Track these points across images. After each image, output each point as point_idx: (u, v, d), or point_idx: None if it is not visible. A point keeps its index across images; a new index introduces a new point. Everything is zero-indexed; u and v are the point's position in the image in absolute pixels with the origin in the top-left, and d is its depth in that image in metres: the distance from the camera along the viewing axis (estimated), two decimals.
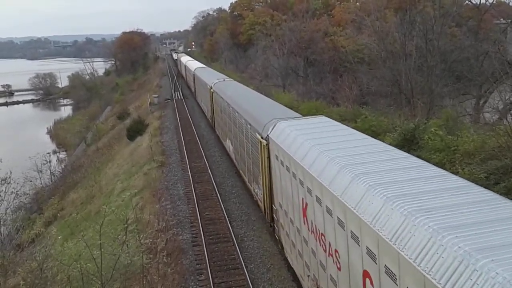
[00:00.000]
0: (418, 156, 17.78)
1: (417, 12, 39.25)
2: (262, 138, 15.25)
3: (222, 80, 32.79)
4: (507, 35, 41.08)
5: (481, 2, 38.34)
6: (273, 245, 16.21)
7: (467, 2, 41.60)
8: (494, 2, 39.76)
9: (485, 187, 14.52)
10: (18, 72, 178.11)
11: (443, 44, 35.72)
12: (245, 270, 14.75)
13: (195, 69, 51.57)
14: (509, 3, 43.59)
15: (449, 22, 39.03)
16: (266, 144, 14.68)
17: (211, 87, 32.21)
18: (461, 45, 38.79)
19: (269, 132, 14.54)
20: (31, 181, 39.97)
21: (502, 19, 41.40)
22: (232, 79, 35.08)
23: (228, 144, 26.52)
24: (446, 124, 21.41)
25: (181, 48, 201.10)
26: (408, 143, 19.01)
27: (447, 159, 16.92)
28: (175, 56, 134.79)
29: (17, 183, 34.21)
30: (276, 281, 14.15)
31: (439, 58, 34.90)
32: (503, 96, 27.89)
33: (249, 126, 18.45)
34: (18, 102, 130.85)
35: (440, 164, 16.99)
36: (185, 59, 78.86)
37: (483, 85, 34.89)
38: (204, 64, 64.63)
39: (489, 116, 30.30)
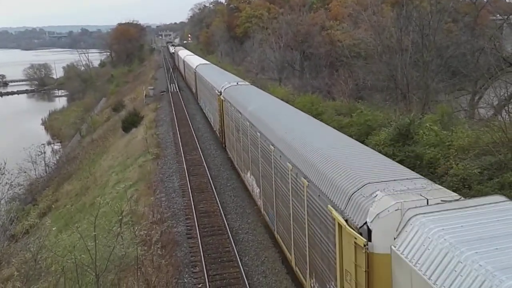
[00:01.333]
0: (413, 151, 17.96)
1: (414, 7, 39.25)
2: (350, 225, 8.28)
3: (235, 84, 25.35)
4: (503, 31, 41.22)
5: None
6: (267, 238, 16.27)
7: None
8: None
9: (478, 182, 14.67)
10: (13, 63, 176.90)
11: (439, 39, 35.76)
12: (239, 262, 14.80)
13: (196, 66, 43.40)
14: None
15: (446, 17, 39.05)
16: (365, 245, 7.69)
17: (221, 93, 25.18)
18: (457, 41, 38.85)
19: (371, 221, 7.68)
20: (25, 172, 39.85)
21: (498, 15, 41.50)
22: (248, 83, 27.40)
23: (249, 181, 18.79)
24: (441, 119, 21.51)
25: (177, 40, 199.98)
26: (403, 138, 19.07)
27: (442, 154, 17.00)
28: (172, 49, 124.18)
29: (11, 174, 34.07)
30: (270, 273, 14.22)
31: (435, 54, 34.96)
32: (498, 92, 28.00)
33: (303, 180, 10.86)
34: (12, 93, 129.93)
35: (434, 159, 17.12)
36: (184, 53, 69.99)
37: (479, 81, 35.01)
38: (204, 58, 58.70)
39: (483, 112, 30.45)
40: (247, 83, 27.37)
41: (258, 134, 15.95)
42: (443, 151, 17.13)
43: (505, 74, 28.80)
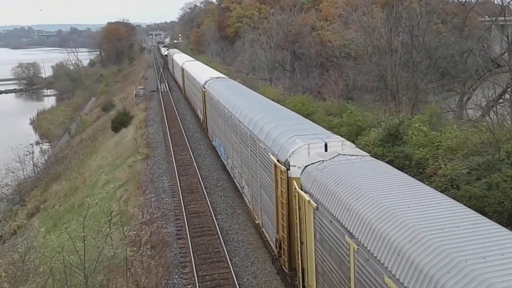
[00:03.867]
0: (402, 152, 18.08)
1: (404, 8, 39.54)
2: None
3: (325, 151, 11.46)
4: (491, 32, 41.64)
5: (467, 0, 38.83)
6: (257, 238, 16.27)
7: None
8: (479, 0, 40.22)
9: (466, 183, 14.77)
10: (1, 61, 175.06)
11: (428, 40, 36.08)
12: (229, 263, 14.78)
13: (206, 82, 28.42)
14: (493, 1, 44.14)
15: (435, 19, 39.41)
16: None
17: (288, 167, 11.68)
18: (446, 42, 39.22)
19: None
20: (13, 172, 39.50)
21: (486, 16, 41.90)
22: (366, 154, 11.16)
23: None
24: (430, 120, 21.66)
25: (167, 40, 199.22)
26: (393, 138, 19.19)
27: (431, 155, 17.13)
28: (164, 51, 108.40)
29: None
30: (260, 274, 14.22)
31: (424, 55, 35.26)
32: (486, 93, 28.29)
33: None
34: (0, 92, 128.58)
35: (423, 159, 17.25)
36: (181, 59, 52.52)
37: (467, 82, 35.37)
38: (216, 69, 39.79)
39: (472, 112, 30.73)
40: (362, 152, 11.34)
41: None
42: (432, 152, 17.26)
43: (493, 75, 29.10)
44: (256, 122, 15.47)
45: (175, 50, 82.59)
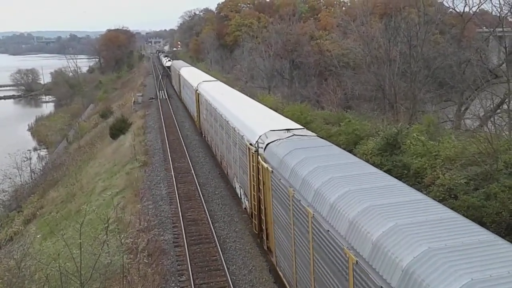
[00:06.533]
0: (400, 161, 18.09)
1: (402, 19, 39.74)
2: None
3: None
4: (489, 43, 41.86)
5: (465, 11, 39.07)
6: (255, 247, 16.21)
7: (450, 10, 42.33)
8: (477, 10, 40.48)
9: (465, 192, 14.76)
10: (0, 68, 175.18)
11: (426, 50, 36.24)
12: (226, 271, 14.71)
13: (267, 146, 13.54)
14: (491, 12, 44.44)
15: (433, 29, 39.63)
16: None
17: None
18: (444, 52, 39.38)
19: None
20: (10, 178, 39.37)
21: (484, 27, 42.16)
22: None
23: None
24: (428, 129, 21.70)
25: (166, 48, 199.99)
26: (391, 148, 19.21)
27: (428, 164, 17.14)
28: (165, 61, 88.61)
29: None
30: (258, 283, 14.15)
31: (423, 65, 35.40)
32: (484, 103, 28.36)
33: None
34: None
35: (421, 169, 17.26)
36: (195, 78, 38.15)
37: (465, 92, 35.48)
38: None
39: (470, 122, 30.80)
40: None
41: None
42: (430, 161, 17.28)
43: (491, 86, 29.22)
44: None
45: (182, 62, 66.33)
